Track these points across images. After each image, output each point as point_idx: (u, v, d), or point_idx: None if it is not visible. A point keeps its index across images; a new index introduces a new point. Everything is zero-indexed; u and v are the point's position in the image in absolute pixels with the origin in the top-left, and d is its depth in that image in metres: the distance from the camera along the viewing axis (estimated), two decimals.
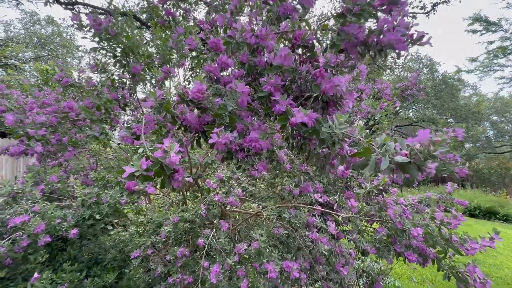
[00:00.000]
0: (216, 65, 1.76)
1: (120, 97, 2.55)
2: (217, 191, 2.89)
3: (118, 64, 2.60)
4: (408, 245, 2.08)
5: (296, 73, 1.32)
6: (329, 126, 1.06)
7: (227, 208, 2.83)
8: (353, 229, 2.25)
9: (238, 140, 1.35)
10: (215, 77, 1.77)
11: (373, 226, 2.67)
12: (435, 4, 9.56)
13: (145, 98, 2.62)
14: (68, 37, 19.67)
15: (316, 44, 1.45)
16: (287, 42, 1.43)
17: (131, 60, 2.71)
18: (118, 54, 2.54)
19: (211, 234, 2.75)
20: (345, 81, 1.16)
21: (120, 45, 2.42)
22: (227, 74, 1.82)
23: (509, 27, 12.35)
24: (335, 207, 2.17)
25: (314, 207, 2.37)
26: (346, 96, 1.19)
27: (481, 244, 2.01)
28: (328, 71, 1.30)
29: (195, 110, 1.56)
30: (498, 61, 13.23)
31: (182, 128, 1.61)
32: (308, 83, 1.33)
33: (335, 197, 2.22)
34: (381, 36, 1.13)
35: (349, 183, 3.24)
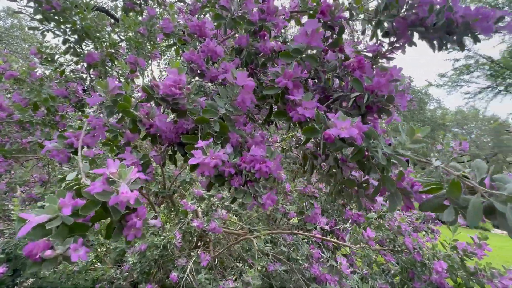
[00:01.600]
0: (200, 53, 1.30)
1: (71, 94, 1.97)
2: (197, 208, 2.37)
3: (70, 52, 2.02)
4: (428, 281, 1.75)
5: (320, 64, 0.91)
6: (390, 145, 0.65)
7: (209, 234, 2.32)
8: (363, 260, 1.87)
9: (234, 160, 0.90)
10: (198, 70, 1.32)
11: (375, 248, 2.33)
12: None
13: (87, 91, 2.06)
14: (31, 31, 17.81)
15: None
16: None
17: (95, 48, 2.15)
18: (70, 38, 1.97)
19: (188, 267, 2.21)
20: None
21: (72, 26, 1.86)
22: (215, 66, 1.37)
23: (473, 47, 13.36)
24: (346, 239, 1.77)
25: (313, 234, 1.96)
26: (397, 98, 0.80)
27: (508, 277, 1.74)
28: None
29: (168, 113, 1.09)
30: (463, 77, 14.21)
31: (149, 138, 1.12)
32: (335, 79, 0.92)
33: (346, 225, 1.84)
34: (454, 12, 0.76)
35: (345, 201, 2.89)
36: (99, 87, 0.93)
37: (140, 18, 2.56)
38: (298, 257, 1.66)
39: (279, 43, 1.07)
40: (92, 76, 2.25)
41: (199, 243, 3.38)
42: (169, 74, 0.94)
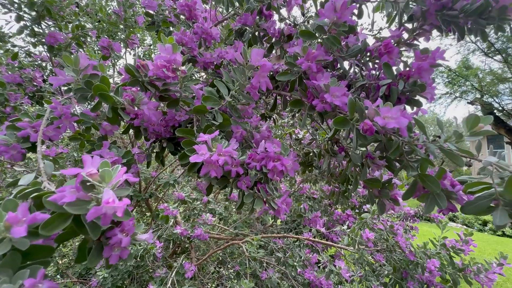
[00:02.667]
0: (193, 35, 1.13)
1: (27, 82, 1.65)
2: (178, 218, 2.15)
3: (26, 31, 1.70)
4: (421, 280, 1.74)
5: (340, 47, 0.80)
6: (439, 138, 0.56)
7: (193, 241, 2.11)
8: (357, 261, 1.82)
9: (242, 157, 0.75)
10: (190, 55, 1.14)
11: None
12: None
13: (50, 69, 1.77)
14: None
15: None
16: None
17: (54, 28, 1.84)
18: (25, 15, 1.65)
19: (170, 278, 1.99)
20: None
21: (29, 0, 1.55)
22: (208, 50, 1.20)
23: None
24: (345, 241, 1.71)
25: (305, 237, 1.87)
26: (428, 88, 0.72)
27: (492, 271, 1.80)
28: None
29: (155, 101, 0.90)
30: None
31: (132, 130, 0.92)
32: (358, 68, 0.82)
33: (344, 227, 1.77)
34: None
35: (331, 199, 2.87)
36: (67, 64, 0.72)
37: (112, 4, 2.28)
38: (295, 263, 1.55)
39: (288, 25, 0.95)
40: (54, 63, 1.92)
41: (176, 250, 3.13)
42: (161, 52, 0.76)
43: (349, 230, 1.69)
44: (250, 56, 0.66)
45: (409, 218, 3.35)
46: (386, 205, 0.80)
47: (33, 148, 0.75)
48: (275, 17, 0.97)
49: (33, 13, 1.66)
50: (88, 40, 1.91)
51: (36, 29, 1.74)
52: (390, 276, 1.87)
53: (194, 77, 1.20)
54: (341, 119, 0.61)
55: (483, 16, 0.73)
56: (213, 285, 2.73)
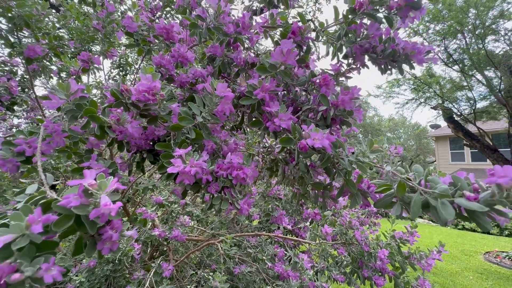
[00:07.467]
0: (171, 57, 1.28)
1: (2, 90, 1.68)
2: (156, 221, 2.25)
3: (1, 41, 1.72)
4: (374, 268, 2.02)
5: (291, 78, 1.00)
6: (353, 153, 0.77)
7: (170, 242, 2.22)
8: (320, 255, 2.05)
9: (211, 167, 0.92)
10: (167, 74, 1.29)
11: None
12: None
13: (45, 94, 1.82)
14: None
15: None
16: (278, 36, 1.11)
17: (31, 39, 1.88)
18: (1, 26, 1.68)
19: (148, 279, 2.08)
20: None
21: (5, 12, 1.59)
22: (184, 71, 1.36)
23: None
24: (307, 236, 1.92)
25: (275, 234, 2.07)
26: (355, 112, 0.94)
27: (432, 257, 2.12)
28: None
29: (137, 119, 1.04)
30: (395, 90, 16.52)
31: (116, 144, 1.05)
32: (305, 93, 1.03)
33: (306, 224, 1.99)
34: (397, 44, 0.94)
35: (301, 200, 3.11)
36: (59, 89, 0.84)
37: (86, 8, 2.34)
38: (264, 257, 1.73)
39: (252, 55, 1.13)
40: (30, 72, 1.95)
41: (154, 253, 3.19)
42: (142, 80, 0.91)
43: (311, 226, 1.91)
44: (216, 88, 0.83)
45: (372, 215, 3.71)
46: (328, 203, 1.02)
47: (26, 161, 0.86)
48: (241, 47, 1.16)
49: (10, 25, 1.70)
50: (66, 50, 1.97)
51: (12, 39, 1.77)
52: (349, 266, 2.13)
53: (174, 95, 1.35)
54: (286, 138, 0.81)
55: (394, 59, 0.97)
56: (192, 287, 2.83)
